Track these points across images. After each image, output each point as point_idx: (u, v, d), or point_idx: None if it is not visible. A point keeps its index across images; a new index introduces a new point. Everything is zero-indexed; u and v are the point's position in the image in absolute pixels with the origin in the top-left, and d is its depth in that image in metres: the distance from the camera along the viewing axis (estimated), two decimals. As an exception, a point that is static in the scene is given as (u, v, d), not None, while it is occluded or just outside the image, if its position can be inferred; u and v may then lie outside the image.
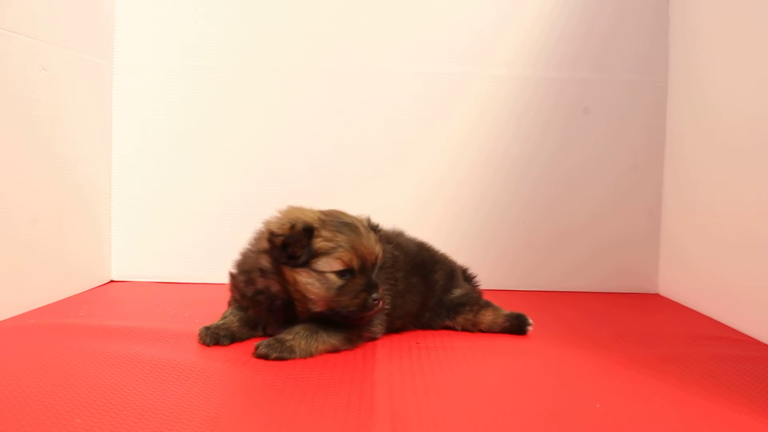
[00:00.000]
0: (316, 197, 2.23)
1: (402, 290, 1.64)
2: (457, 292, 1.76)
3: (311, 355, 1.43)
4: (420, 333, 1.69)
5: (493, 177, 2.30)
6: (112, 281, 2.27)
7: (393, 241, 1.70)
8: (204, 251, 2.26)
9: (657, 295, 2.31)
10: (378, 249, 1.48)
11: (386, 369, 1.36)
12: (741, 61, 1.86)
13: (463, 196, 2.31)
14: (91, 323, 1.63)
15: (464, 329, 1.73)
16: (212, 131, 2.29)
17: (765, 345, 1.65)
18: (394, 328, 1.65)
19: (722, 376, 1.38)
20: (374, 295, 1.45)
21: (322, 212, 1.51)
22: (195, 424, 1.04)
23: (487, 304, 1.75)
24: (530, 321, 1.70)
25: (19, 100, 1.74)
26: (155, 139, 2.28)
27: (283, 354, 1.40)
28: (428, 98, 2.29)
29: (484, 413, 1.13)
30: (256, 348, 1.41)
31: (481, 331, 1.72)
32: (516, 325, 1.70)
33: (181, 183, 2.29)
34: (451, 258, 1.84)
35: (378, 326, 1.57)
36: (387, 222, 1.76)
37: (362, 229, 1.49)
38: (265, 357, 1.39)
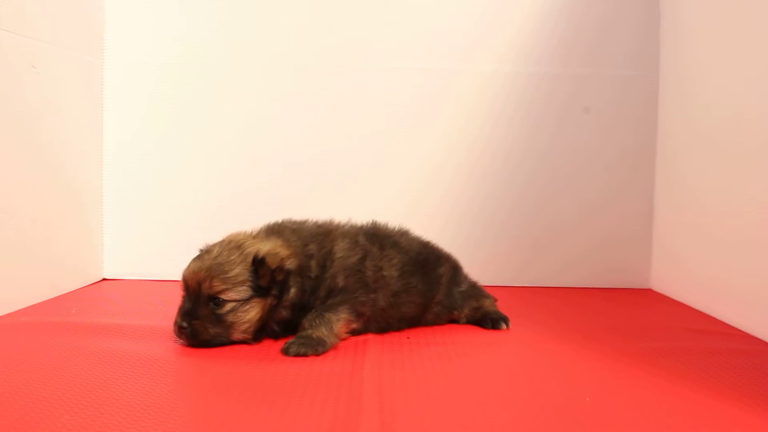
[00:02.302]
0: (308, 194, 2.26)
1: (397, 290, 1.63)
2: (465, 285, 1.79)
3: (339, 338, 1.49)
4: (411, 328, 1.69)
5: (485, 173, 2.30)
6: (104, 279, 2.26)
7: (386, 242, 1.68)
8: (196, 249, 2.25)
9: (649, 290, 2.31)
10: (201, 276, 1.44)
11: (376, 364, 1.36)
12: (732, 57, 1.86)
13: (454, 192, 2.31)
14: (83, 321, 1.63)
15: (468, 320, 1.76)
16: (203, 129, 2.29)
17: (755, 338, 1.66)
18: (393, 328, 1.65)
19: (713, 369, 1.38)
20: (178, 321, 1.45)
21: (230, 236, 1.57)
22: (184, 421, 1.04)
23: (488, 296, 1.82)
24: (505, 325, 1.72)
25: (9, 98, 1.73)
26: (146, 137, 2.27)
27: (317, 348, 1.43)
28: (420, 94, 2.29)
29: (474, 407, 1.13)
30: (288, 349, 1.42)
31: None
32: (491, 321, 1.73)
33: (173, 181, 2.28)
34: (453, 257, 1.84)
35: (367, 306, 1.57)
36: (378, 218, 1.77)
37: (206, 255, 1.49)
38: (304, 355, 1.41)
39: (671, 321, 1.87)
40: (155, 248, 2.28)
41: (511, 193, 2.31)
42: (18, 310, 1.74)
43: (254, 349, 1.45)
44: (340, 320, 1.50)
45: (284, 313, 1.51)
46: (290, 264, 1.50)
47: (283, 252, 1.51)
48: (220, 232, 1.61)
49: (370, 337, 1.57)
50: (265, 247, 1.50)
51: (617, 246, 2.33)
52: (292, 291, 1.50)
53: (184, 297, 1.48)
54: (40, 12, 1.86)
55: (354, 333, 1.57)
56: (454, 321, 1.77)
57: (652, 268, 2.32)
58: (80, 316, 1.70)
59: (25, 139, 1.80)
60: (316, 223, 1.68)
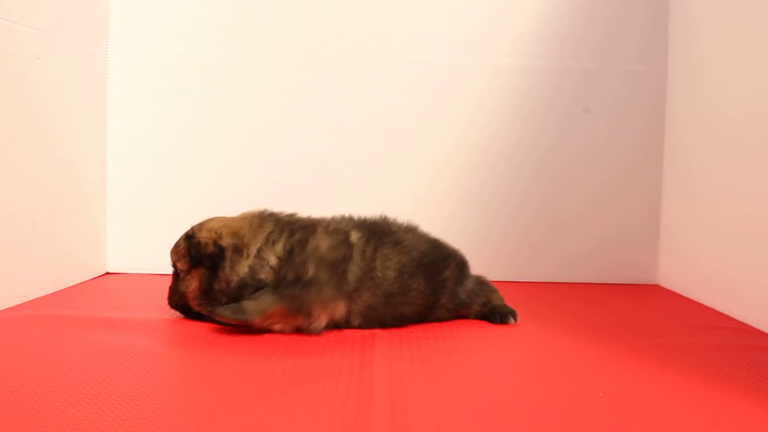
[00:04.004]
0: (311, 189, 2.25)
1: (392, 292, 1.59)
2: (470, 283, 1.74)
3: (263, 314, 1.48)
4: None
5: (492, 168, 2.29)
6: (107, 273, 2.25)
7: (385, 240, 1.65)
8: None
9: (657, 285, 2.30)
10: (173, 258, 1.62)
11: (385, 358, 1.35)
12: (742, 51, 1.84)
13: (461, 187, 2.29)
14: (87, 314, 1.62)
15: (476, 316, 1.74)
16: (208, 123, 2.27)
17: (765, 334, 1.64)
18: (388, 325, 1.61)
19: (725, 365, 1.37)
20: None
21: None
22: (190, 416, 1.02)
23: (495, 290, 1.79)
24: (513, 320, 1.71)
25: (12, 90, 1.71)
26: (150, 130, 2.26)
27: (236, 315, 1.48)
28: (426, 88, 2.27)
29: (485, 401, 1.12)
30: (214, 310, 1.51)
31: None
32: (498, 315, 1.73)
33: (177, 175, 2.27)
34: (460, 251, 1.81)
35: (333, 302, 1.54)
36: (383, 213, 1.75)
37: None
38: (220, 315, 1.48)
39: (680, 317, 1.85)
40: (159, 242, 2.24)
41: (518, 188, 2.29)
42: (21, 304, 1.73)
43: (260, 343, 1.44)
44: (276, 306, 1.49)
45: (223, 286, 1.54)
46: (223, 241, 1.55)
47: (223, 230, 1.57)
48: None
49: (378, 332, 1.56)
50: (213, 225, 1.60)
51: (625, 242, 2.31)
52: (227, 267, 1.54)
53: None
54: (44, 2, 1.84)
55: (347, 326, 1.57)
56: (462, 316, 1.75)
57: (660, 264, 2.31)
58: (84, 309, 1.69)
59: (27, 130, 1.78)
60: (314, 218, 1.67)
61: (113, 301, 1.86)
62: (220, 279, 1.55)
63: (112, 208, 2.25)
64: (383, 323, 1.60)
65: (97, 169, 2.20)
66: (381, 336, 1.53)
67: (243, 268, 1.54)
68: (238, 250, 1.55)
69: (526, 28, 2.27)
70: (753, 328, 1.70)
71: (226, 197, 2.25)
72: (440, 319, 1.70)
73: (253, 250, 1.56)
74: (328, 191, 2.26)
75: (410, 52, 2.27)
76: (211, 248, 1.54)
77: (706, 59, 2.06)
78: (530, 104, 2.28)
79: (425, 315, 1.67)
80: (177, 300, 1.62)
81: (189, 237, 1.58)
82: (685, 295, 2.12)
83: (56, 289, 1.92)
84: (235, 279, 1.54)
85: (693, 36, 2.14)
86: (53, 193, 1.91)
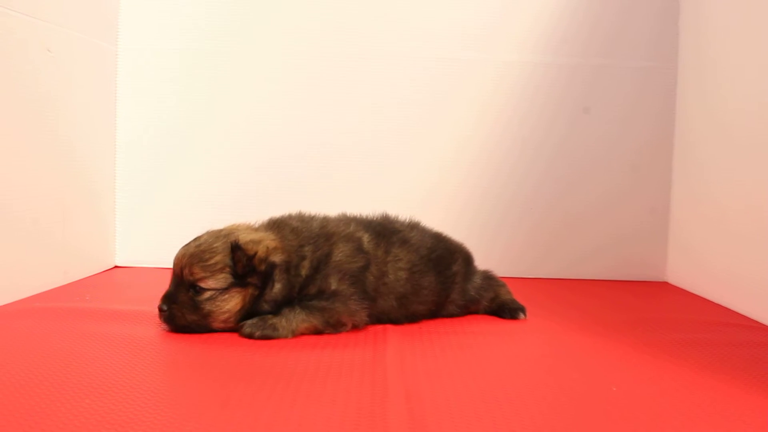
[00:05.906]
0: (321, 184, 2.25)
1: (404, 293, 1.59)
2: (477, 279, 1.74)
3: (293, 333, 1.43)
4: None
5: (502, 163, 2.28)
6: (116, 266, 2.25)
7: (393, 240, 1.63)
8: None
9: (665, 283, 2.30)
10: (183, 263, 1.43)
11: (398, 352, 1.35)
12: (752, 48, 1.84)
13: (471, 183, 2.29)
14: (96, 307, 1.62)
15: (484, 311, 1.74)
16: (217, 117, 2.27)
17: (776, 330, 1.64)
18: (401, 322, 1.60)
19: (733, 361, 1.37)
20: (159, 303, 1.45)
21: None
22: (205, 408, 1.02)
23: (503, 284, 1.79)
24: (523, 315, 1.71)
25: (23, 81, 1.71)
26: (159, 124, 2.26)
27: (266, 332, 1.41)
28: (437, 85, 2.27)
29: (499, 394, 1.12)
30: (241, 327, 1.42)
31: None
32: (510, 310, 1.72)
33: (185, 169, 2.27)
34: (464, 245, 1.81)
35: (358, 315, 1.51)
36: (393, 210, 1.74)
37: (193, 242, 1.47)
38: (249, 336, 1.40)
39: (689, 313, 1.85)
40: (167, 236, 2.24)
41: (528, 184, 2.29)
42: (32, 296, 1.73)
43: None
44: (306, 322, 1.44)
45: (266, 307, 1.46)
46: (276, 257, 1.45)
47: (271, 243, 1.46)
48: (232, 220, 1.59)
49: (389, 326, 1.56)
50: (249, 236, 1.46)
51: (634, 239, 2.31)
52: (277, 287, 1.46)
53: (171, 281, 1.46)
54: (55, -5, 1.84)
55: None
56: (471, 312, 1.75)
57: (669, 261, 2.31)
58: (93, 302, 1.69)
59: (38, 124, 1.78)
60: (321, 221, 1.61)
61: (122, 294, 1.86)
62: (265, 299, 1.46)
63: (120, 202, 2.26)
64: (396, 320, 1.60)
65: (106, 163, 2.20)
66: (393, 330, 1.53)
67: (285, 287, 1.47)
68: (287, 269, 1.47)
69: (536, 24, 2.27)
70: (761, 324, 1.70)
71: (235, 191, 2.25)
72: (450, 316, 1.70)
73: (292, 265, 1.48)
74: (337, 188, 2.26)
75: (419, 49, 2.26)
76: (263, 265, 1.43)
77: (716, 55, 2.05)
78: (540, 100, 2.28)
79: (436, 312, 1.67)
80: (195, 321, 1.43)
81: (237, 248, 1.42)
82: (693, 292, 2.12)
83: (66, 282, 1.92)
84: (275, 300, 1.46)
85: (704, 32, 2.13)
86: (63, 187, 1.91)
